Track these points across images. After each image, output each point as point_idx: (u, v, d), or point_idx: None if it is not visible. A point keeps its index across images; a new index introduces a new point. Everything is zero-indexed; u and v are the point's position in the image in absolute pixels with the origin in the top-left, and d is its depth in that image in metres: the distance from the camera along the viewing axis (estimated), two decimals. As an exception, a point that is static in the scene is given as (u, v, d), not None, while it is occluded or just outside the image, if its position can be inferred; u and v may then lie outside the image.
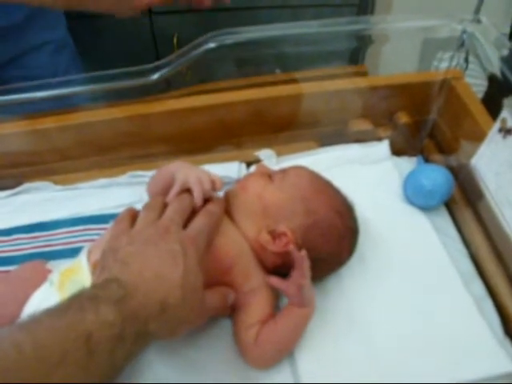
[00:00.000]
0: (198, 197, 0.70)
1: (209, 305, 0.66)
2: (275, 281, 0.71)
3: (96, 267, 0.67)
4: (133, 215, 0.69)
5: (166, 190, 0.75)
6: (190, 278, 0.59)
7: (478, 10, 1.30)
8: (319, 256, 0.74)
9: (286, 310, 0.72)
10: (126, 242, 0.62)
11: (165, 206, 0.69)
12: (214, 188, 0.73)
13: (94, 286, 0.58)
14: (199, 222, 0.68)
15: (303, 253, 0.69)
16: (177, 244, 0.61)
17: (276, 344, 0.70)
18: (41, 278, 0.70)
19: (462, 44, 0.90)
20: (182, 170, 0.74)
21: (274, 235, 0.73)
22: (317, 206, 0.75)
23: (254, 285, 0.73)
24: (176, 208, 0.68)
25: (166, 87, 0.92)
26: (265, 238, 0.73)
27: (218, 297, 0.69)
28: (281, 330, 0.70)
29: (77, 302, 0.53)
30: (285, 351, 0.72)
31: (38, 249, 0.87)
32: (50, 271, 0.71)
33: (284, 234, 0.72)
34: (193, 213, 0.70)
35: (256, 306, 0.72)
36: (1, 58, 1.12)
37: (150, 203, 0.70)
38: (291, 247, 0.70)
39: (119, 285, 0.55)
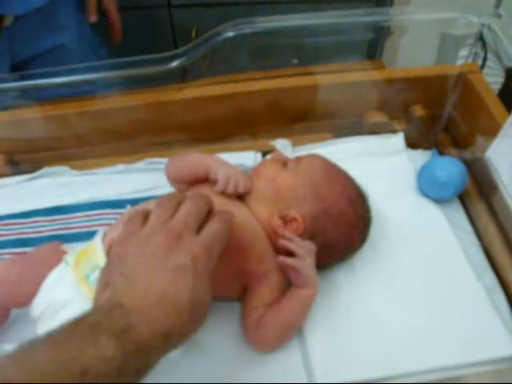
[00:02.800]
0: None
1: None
2: (282, 259, 0.72)
3: (110, 247, 0.68)
4: (146, 215, 0.63)
5: (187, 178, 0.78)
6: (198, 296, 0.55)
7: (498, 5, 1.29)
8: (329, 242, 0.75)
9: (290, 291, 0.73)
10: (133, 251, 0.58)
11: (179, 203, 0.63)
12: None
13: (98, 310, 0.53)
14: (214, 227, 0.62)
15: (290, 235, 0.72)
16: (187, 257, 0.56)
17: (278, 325, 0.71)
18: (57, 258, 0.71)
19: (480, 38, 0.90)
20: (223, 167, 0.76)
21: (286, 220, 0.74)
22: (328, 192, 0.75)
23: (267, 267, 0.74)
24: (190, 209, 0.61)
25: (182, 77, 0.93)
26: (276, 222, 0.74)
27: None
28: (283, 311, 0.71)
29: (77, 331, 0.49)
30: (287, 333, 0.73)
31: (56, 231, 0.89)
32: (65, 252, 0.73)
33: (295, 219, 0.74)
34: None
35: (265, 289, 0.73)
36: (21, 56, 1.13)
37: (163, 201, 0.63)
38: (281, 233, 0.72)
39: (123, 312, 0.51)
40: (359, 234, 0.78)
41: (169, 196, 0.64)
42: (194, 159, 0.81)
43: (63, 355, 0.46)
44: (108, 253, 0.69)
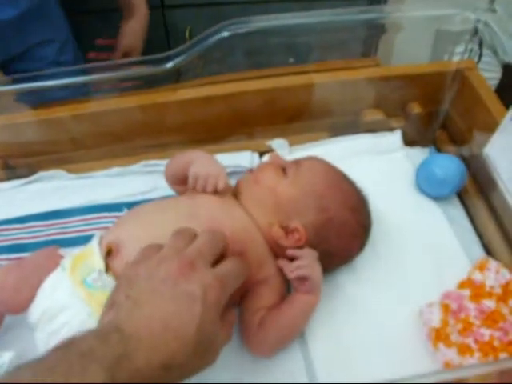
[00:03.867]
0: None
1: (219, 347, 0.58)
2: (282, 263, 0.72)
3: (110, 248, 0.68)
4: (162, 245, 0.61)
5: (180, 179, 0.78)
6: (205, 330, 0.53)
7: (492, 0, 1.29)
8: (330, 251, 0.75)
9: (292, 296, 0.72)
10: (143, 275, 0.56)
11: (195, 235, 0.62)
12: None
13: (96, 333, 0.51)
14: (230, 264, 0.61)
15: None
16: (198, 286, 0.54)
17: (279, 330, 0.70)
18: (54, 263, 0.70)
19: (476, 33, 0.90)
20: (196, 164, 0.76)
21: (287, 230, 0.74)
22: (331, 202, 0.75)
23: (267, 273, 0.74)
24: (207, 240, 0.61)
25: (177, 78, 0.92)
26: (277, 232, 0.73)
27: (225, 333, 0.59)
28: (284, 315, 0.70)
29: (66, 358, 0.47)
30: (287, 338, 0.72)
31: (53, 236, 0.88)
32: (62, 257, 0.72)
33: (296, 230, 0.73)
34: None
35: (265, 294, 0.72)
36: (8, 53, 1.16)
37: (180, 230, 0.63)
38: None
39: (121, 338, 0.49)
40: (360, 241, 0.78)
41: (186, 228, 0.63)
42: (182, 158, 0.81)
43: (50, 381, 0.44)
44: (118, 275, 0.66)
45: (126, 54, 1.38)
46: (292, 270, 0.71)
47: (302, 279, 0.71)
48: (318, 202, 0.74)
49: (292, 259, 0.72)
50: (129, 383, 0.47)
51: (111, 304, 0.55)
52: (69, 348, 0.48)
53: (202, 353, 0.53)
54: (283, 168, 0.79)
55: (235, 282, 0.60)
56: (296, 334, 0.73)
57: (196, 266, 0.56)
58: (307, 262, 0.71)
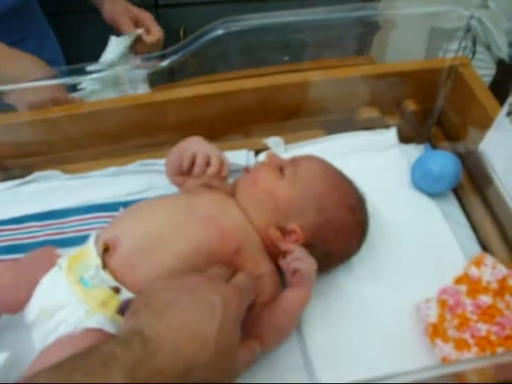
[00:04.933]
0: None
1: (240, 362, 0.60)
2: (282, 262, 0.72)
3: (106, 245, 0.68)
4: None
5: (179, 168, 0.80)
6: (225, 334, 0.55)
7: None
8: (329, 251, 0.75)
9: (287, 292, 0.73)
10: (162, 287, 0.59)
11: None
12: (220, 170, 0.76)
13: (117, 338, 0.53)
14: (243, 278, 0.66)
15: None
16: (217, 294, 0.57)
17: (274, 325, 0.71)
18: (51, 262, 0.70)
19: (469, 30, 0.90)
20: (194, 146, 0.77)
21: (284, 232, 0.74)
22: (329, 203, 0.75)
23: (263, 271, 0.74)
24: (221, 271, 0.67)
25: (171, 77, 0.92)
26: (275, 233, 0.73)
27: (248, 352, 0.63)
28: (279, 310, 0.71)
29: (88, 362, 0.48)
30: (283, 332, 0.73)
31: (50, 236, 0.88)
32: (59, 256, 0.72)
33: (294, 232, 0.73)
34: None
35: (263, 291, 0.72)
36: None
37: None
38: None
39: (142, 340, 0.51)
40: (358, 240, 0.78)
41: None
42: (181, 145, 0.81)
43: None
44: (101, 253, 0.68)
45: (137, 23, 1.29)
46: (285, 265, 0.71)
47: (294, 272, 0.71)
48: (316, 204, 0.74)
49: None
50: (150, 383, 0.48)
51: (131, 313, 0.57)
52: (89, 354, 0.49)
53: (222, 360, 0.54)
54: (280, 168, 0.78)
55: (250, 294, 0.64)
56: (291, 328, 0.73)
57: (214, 278, 0.60)
58: (298, 255, 0.71)
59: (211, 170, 0.76)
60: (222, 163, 0.77)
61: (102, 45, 1.17)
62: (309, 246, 0.73)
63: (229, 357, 0.56)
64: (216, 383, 0.55)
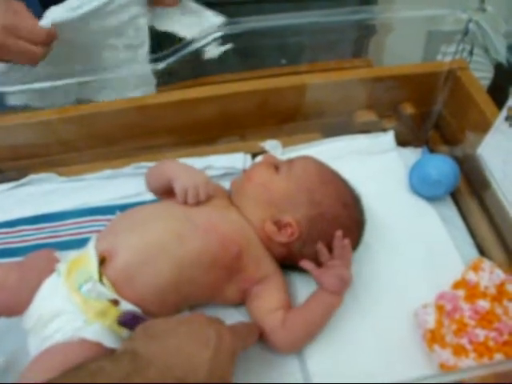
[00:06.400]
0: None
1: None
2: (309, 265, 0.73)
3: (103, 257, 0.67)
4: None
5: (163, 191, 0.78)
6: (218, 366, 0.55)
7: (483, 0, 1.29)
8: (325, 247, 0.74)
9: (317, 295, 0.73)
10: (161, 319, 0.61)
11: None
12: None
13: (110, 356, 0.53)
14: (242, 326, 0.67)
15: (346, 241, 0.72)
16: (212, 329, 0.58)
17: (304, 328, 0.71)
18: (51, 266, 0.70)
19: (467, 33, 0.90)
20: (179, 177, 0.75)
21: (280, 225, 0.74)
22: (322, 197, 0.75)
23: (267, 272, 0.74)
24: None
25: (167, 79, 0.91)
26: (270, 227, 0.73)
27: None
28: (310, 314, 0.71)
29: (76, 377, 0.48)
30: (313, 335, 0.73)
31: (43, 240, 0.87)
32: (58, 260, 0.71)
33: (289, 225, 0.73)
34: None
35: (273, 292, 0.73)
36: None
37: None
38: (338, 234, 0.72)
39: (132, 358, 0.51)
40: (353, 237, 0.77)
41: None
42: (159, 171, 0.80)
43: None
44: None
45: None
46: (321, 273, 0.72)
47: (338, 279, 0.72)
48: (309, 197, 0.74)
49: (316, 261, 0.74)
50: None
51: (128, 339, 0.58)
52: (77, 370, 0.49)
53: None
54: (275, 166, 0.79)
55: (245, 341, 0.65)
56: (320, 330, 0.73)
57: (212, 318, 0.61)
58: (347, 262, 0.73)
59: (203, 197, 0.74)
60: (207, 187, 0.75)
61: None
62: (304, 241, 0.73)
63: None
64: None
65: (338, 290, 0.73)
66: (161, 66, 0.84)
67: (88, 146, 0.95)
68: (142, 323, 0.64)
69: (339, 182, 0.79)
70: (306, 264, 0.73)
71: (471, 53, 0.94)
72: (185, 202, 0.74)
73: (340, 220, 0.75)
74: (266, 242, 0.75)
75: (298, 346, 0.72)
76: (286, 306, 0.73)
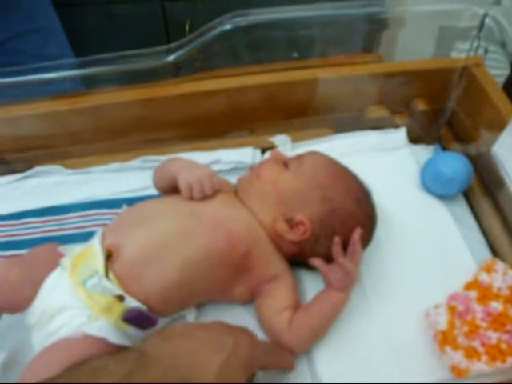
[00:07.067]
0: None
1: None
2: (318, 262, 0.72)
3: (110, 251, 0.66)
4: None
5: (170, 190, 0.77)
6: (228, 373, 0.53)
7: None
8: None
9: (323, 293, 0.72)
10: (180, 325, 0.59)
11: None
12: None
13: (116, 354, 0.52)
14: (267, 343, 0.67)
15: (356, 237, 0.71)
16: (231, 337, 0.56)
17: (311, 328, 0.70)
18: (55, 260, 0.69)
19: (482, 28, 0.88)
20: (182, 173, 0.74)
21: (291, 224, 0.72)
22: (334, 193, 0.73)
23: (277, 271, 0.73)
24: None
25: (175, 73, 0.90)
26: (282, 226, 0.72)
27: None
28: (316, 314, 0.70)
29: (78, 374, 0.47)
30: (319, 335, 0.71)
31: (49, 233, 0.86)
32: (62, 255, 0.70)
33: (301, 223, 0.72)
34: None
35: (283, 291, 0.72)
36: None
37: None
38: (356, 234, 0.71)
39: (137, 357, 0.50)
40: (366, 233, 0.76)
41: None
42: (163, 169, 0.79)
43: None
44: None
45: None
46: (329, 269, 0.71)
47: (344, 276, 0.71)
48: (321, 193, 0.73)
49: (327, 258, 0.72)
50: None
51: (142, 340, 0.57)
52: (80, 366, 0.48)
53: None
54: (284, 162, 0.78)
55: (263, 360, 0.61)
56: (327, 329, 0.72)
57: (234, 328, 0.59)
58: (356, 259, 0.72)
59: (208, 191, 0.73)
60: (212, 181, 0.74)
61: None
62: (316, 238, 0.72)
63: None
64: None
65: (344, 286, 0.71)
66: (170, 58, 0.82)
67: (95, 138, 0.94)
68: (147, 320, 0.64)
69: (350, 178, 0.77)
70: (315, 261, 0.72)
71: (486, 50, 0.92)
72: (191, 198, 0.72)
73: (353, 216, 0.73)
74: (276, 241, 0.73)
75: (305, 347, 0.71)
76: (295, 305, 0.72)
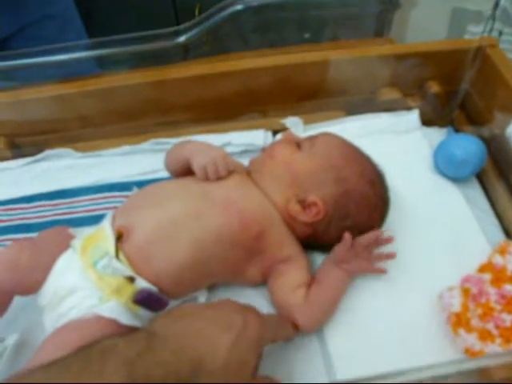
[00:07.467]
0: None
1: None
2: (347, 235, 0.70)
3: (120, 232, 0.66)
4: None
5: (183, 172, 0.77)
6: (238, 352, 0.53)
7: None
8: (350, 226, 0.72)
9: (330, 271, 0.72)
10: (189, 305, 0.60)
11: None
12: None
13: (126, 334, 0.51)
14: (274, 318, 0.66)
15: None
16: (239, 317, 0.56)
17: (324, 303, 0.70)
18: (66, 243, 0.69)
19: (496, 8, 0.86)
20: (196, 155, 0.73)
21: (304, 205, 0.72)
22: (348, 174, 0.73)
23: (290, 252, 0.73)
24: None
25: (184, 57, 0.90)
26: (294, 207, 0.72)
27: None
28: (328, 289, 0.70)
29: (85, 353, 0.47)
30: (331, 311, 0.71)
31: (60, 216, 0.86)
32: (73, 237, 0.70)
33: (314, 204, 0.71)
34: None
35: (297, 271, 0.72)
36: (4, 31, 1.09)
37: None
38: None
39: (147, 337, 0.50)
40: (379, 214, 0.76)
41: None
42: (176, 152, 0.79)
43: (63, 382, 0.44)
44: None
45: None
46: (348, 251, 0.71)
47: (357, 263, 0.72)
48: (334, 174, 0.72)
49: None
50: (148, 379, 0.46)
51: (151, 319, 0.57)
52: (90, 347, 0.48)
53: (232, 377, 0.52)
54: (297, 143, 0.77)
55: (278, 331, 0.63)
56: (336, 306, 0.72)
57: (243, 306, 0.59)
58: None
59: (223, 172, 0.73)
60: (226, 162, 0.74)
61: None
62: (330, 220, 0.72)
63: (239, 378, 0.53)
64: None
65: (351, 271, 0.72)
66: (181, 39, 0.82)
67: (105, 121, 0.93)
68: (158, 302, 0.63)
69: (363, 159, 0.76)
70: (346, 235, 0.70)
71: (501, 32, 0.90)
72: (206, 180, 0.72)
73: (366, 198, 0.73)
74: (289, 222, 0.73)
75: (319, 323, 0.70)
76: (309, 283, 0.71)
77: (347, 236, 0.70)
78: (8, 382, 0.48)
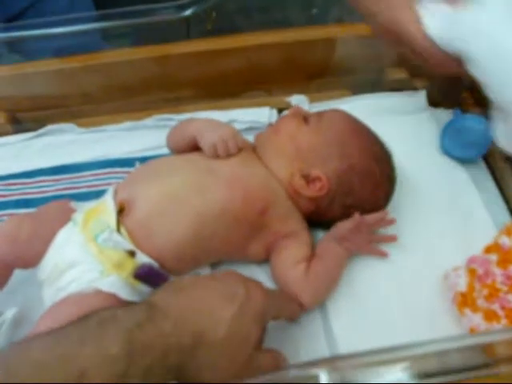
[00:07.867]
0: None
1: (257, 365, 0.55)
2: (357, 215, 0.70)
3: (122, 206, 0.65)
4: None
5: (188, 150, 0.76)
6: (240, 324, 0.52)
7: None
8: (353, 203, 0.72)
9: (330, 247, 0.71)
10: (192, 276, 0.59)
11: None
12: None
13: (126, 305, 0.52)
14: (279, 293, 0.66)
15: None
16: (243, 287, 0.55)
17: (325, 279, 0.70)
18: (66, 216, 0.68)
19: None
20: (205, 133, 0.72)
21: (308, 179, 0.71)
22: (353, 150, 0.72)
23: (293, 228, 0.72)
24: None
25: (187, 33, 0.88)
26: (298, 182, 0.71)
27: (269, 359, 0.57)
28: (328, 264, 0.70)
29: (85, 324, 0.46)
30: (332, 287, 0.71)
31: (62, 191, 0.85)
32: (74, 210, 0.69)
33: (318, 179, 0.70)
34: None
35: (299, 246, 0.71)
36: (14, 7, 1.09)
37: None
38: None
39: (147, 308, 0.49)
40: (384, 193, 0.75)
41: None
42: (182, 128, 0.78)
43: (59, 353, 0.43)
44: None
45: None
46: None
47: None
48: (340, 149, 0.72)
49: (345, 217, 0.72)
50: (149, 350, 0.46)
51: (152, 292, 0.56)
52: (89, 316, 0.47)
53: (233, 349, 0.52)
54: (304, 117, 0.76)
55: (283, 307, 0.62)
56: (336, 283, 0.71)
57: (247, 278, 0.58)
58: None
59: (233, 150, 0.72)
60: (236, 139, 0.73)
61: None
62: (333, 195, 0.71)
63: (241, 350, 0.53)
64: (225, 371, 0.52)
65: (350, 248, 0.72)
66: (187, 13, 0.80)
67: (108, 97, 0.93)
68: (158, 277, 0.63)
69: (370, 137, 0.75)
70: (356, 215, 0.70)
71: None
72: (216, 157, 0.71)
73: (371, 173, 0.72)
74: (294, 197, 0.72)
75: (319, 298, 0.70)
76: (310, 259, 0.71)
77: (357, 216, 0.69)
78: (6, 351, 0.47)
